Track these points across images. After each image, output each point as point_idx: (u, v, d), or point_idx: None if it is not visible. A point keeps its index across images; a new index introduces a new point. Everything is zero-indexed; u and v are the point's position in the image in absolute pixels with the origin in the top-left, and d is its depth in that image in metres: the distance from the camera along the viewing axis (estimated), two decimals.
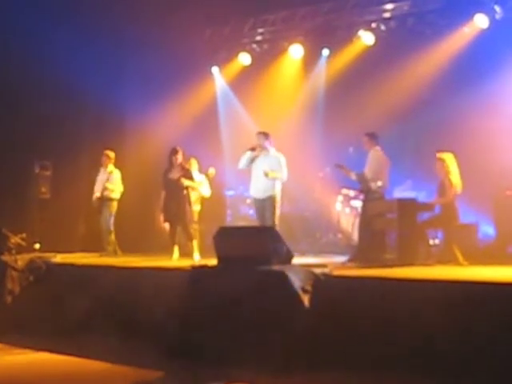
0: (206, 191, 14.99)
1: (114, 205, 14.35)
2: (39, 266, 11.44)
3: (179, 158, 13.25)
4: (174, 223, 13.19)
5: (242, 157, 12.71)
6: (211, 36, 17.67)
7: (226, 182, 16.18)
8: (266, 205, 12.56)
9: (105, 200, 14.29)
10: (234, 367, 7.73)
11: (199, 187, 14.51)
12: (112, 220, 14.29)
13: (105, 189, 14.23)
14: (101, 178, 14.43)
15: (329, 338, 7.52)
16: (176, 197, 13.10)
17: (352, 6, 15.74)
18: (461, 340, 6.85)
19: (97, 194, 14.33)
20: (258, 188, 12.69)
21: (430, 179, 12.81)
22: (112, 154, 14.52)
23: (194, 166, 14.79)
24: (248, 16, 16.96)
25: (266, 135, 12.71)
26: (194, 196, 14.36)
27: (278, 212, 12.53)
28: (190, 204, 13.44)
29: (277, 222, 12.39)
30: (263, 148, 12.61)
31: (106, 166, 14.46)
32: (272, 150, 12.68)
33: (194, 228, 14.05)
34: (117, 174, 14.42)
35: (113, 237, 14.27)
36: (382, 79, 15.00)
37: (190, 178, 13.39)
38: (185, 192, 13.20)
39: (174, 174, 13.16)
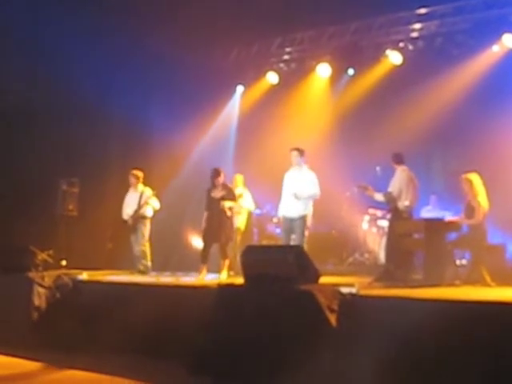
0: (249, 204, 15.01)
1: (148, 223, 14.34)
2: (66, 283, 11.47)
3: (221, 179, 13.17)
4: (210, 241, 13.06)
5: None
6: (238, 55, 17.76)
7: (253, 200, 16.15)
8: (295, 225, 12.13)
9: (140, 218, 14.26)
10: None
11: (245, 201, 14.70)
12: (147, 237, 14.30)
13: (140, 207, 14.22)
14: (132, 197, 14.38)
15: (355, 358, 7.47)
16: (218, 216, 13.01)
17: (379, 25, 15.80)
18: (487, 362, 6.78)
19: (129, 212, 14.30)
20: (288, 206, 12.27)
21: (457, 199, 12.76)
22: (140, 174, 14.47)
23: (239, 182, 14.83)
24: (275, 35, 17.03)
25: (300, 151, 12.26)
26: (239, 214, 14.54)
27: (306, 233, 12.21)
28: (231, 224, 13.51)
29: (305, 242, 11.95)
30: (295, 164, 12.30)
31: (136, 186, 14.41)
32: (305, 168, 12.33)
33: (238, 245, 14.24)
34: (148, 192, 14.35)
35: (147, 254, 14.25)
36: (410, 98, 15.02)
37: (232, 197, 13.33)
38: (228, 212, 13.14)
39: (217, 193, 13.13)
